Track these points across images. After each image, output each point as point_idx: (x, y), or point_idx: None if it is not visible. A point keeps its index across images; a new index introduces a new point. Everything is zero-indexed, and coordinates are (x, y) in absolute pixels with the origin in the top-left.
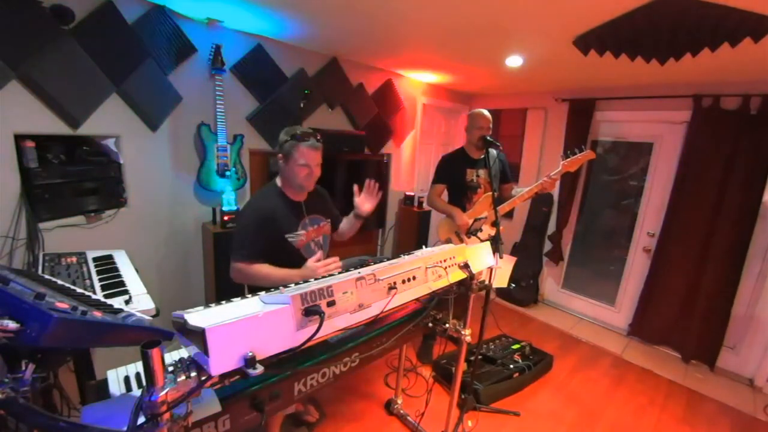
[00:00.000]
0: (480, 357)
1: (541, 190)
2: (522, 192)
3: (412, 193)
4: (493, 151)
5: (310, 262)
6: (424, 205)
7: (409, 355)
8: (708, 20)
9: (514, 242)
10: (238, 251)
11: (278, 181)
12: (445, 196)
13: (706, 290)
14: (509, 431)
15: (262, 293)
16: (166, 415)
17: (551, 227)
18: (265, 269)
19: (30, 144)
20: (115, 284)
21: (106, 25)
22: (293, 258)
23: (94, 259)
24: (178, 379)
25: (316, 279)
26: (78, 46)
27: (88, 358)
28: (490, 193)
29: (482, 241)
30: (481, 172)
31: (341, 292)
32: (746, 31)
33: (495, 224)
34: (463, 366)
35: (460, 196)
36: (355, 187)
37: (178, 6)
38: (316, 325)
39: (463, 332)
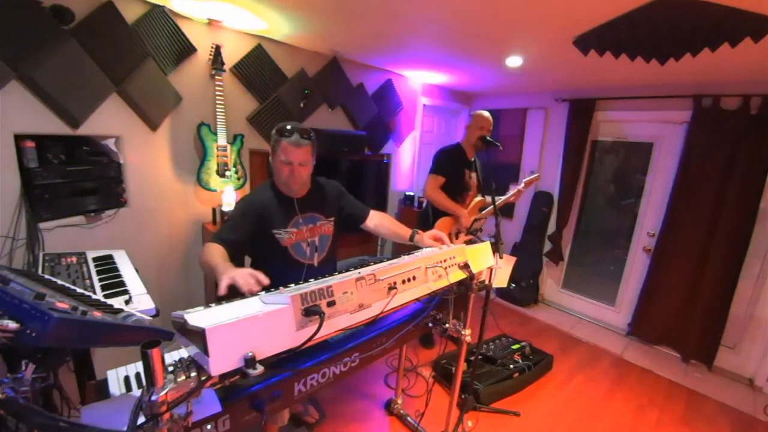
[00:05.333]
0: (480, 357)
1: (510, 203)
2: (501, 198)
3: (412, 193)
4: (480, 159)
5: (239, 272)
6: (424, 204)
7: (409, 355)
8: (708, 20)
9: (514, 242)
10: (215, 233)
11: (273, 175)
12: None
13: (706, 290)
14: (509, 431)
15: (263, 293)
16: (166, 415)
17: (551, 227)
18: (212, 247)
19: (30, 144)
20: (115, 284)
21: (106, 25)
22: (280, 255)
23: (94, 259)
24: (178, 379)
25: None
26: (78, 46)
27: (88, 358)
28: (480, 198)
29: (467, 243)
30: (473, 175)
31: (341, 292)
32: (746, 31)
33: (496, 224)
34: (463, 366)
35: (455, 195)
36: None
37: (178, 6)
38: (316, 325)
39: (463, 332)
